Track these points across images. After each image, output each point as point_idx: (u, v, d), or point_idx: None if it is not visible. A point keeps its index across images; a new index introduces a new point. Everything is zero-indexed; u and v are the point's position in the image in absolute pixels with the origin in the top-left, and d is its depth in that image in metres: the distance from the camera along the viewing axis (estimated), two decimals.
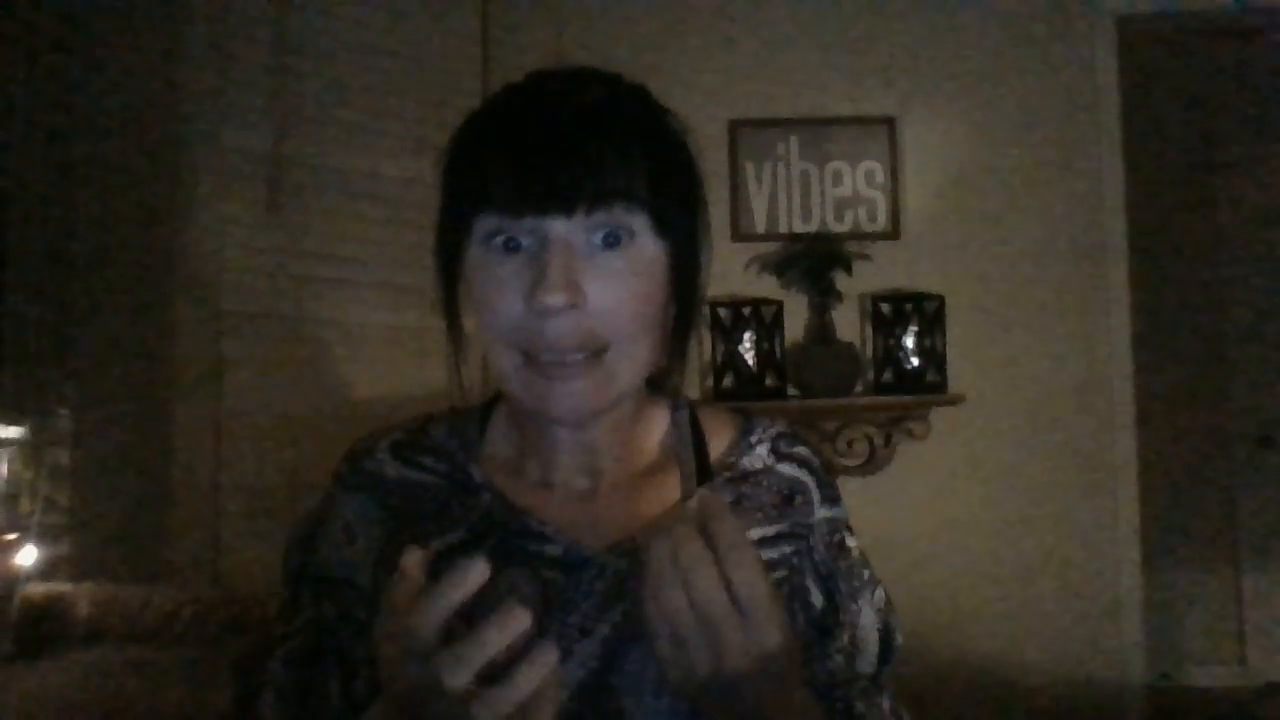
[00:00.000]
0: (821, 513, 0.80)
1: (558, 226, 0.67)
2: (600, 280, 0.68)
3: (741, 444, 0.81)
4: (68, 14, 2.21)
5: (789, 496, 0.79)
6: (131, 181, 2.26)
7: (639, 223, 0.69)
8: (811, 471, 0.82)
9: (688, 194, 0.74)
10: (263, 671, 0.78)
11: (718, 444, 0.81)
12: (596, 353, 0.69)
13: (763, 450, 0.81)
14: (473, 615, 0.71)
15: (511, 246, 0.69)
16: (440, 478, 0.78)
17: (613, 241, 0.69)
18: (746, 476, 0.79)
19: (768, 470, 0.80)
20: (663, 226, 0.71)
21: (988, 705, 2.72)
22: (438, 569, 0.73)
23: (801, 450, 0.82)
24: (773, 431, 0.83)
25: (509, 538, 0.74)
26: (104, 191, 2.26)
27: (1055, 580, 2.78)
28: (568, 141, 0.67)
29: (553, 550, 0.73)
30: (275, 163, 2.31)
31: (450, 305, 0.75)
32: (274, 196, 2.31)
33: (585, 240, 0.68)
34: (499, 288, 0.69)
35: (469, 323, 0.75)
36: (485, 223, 0.69)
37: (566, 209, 0.67)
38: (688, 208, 0.74)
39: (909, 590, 2.62)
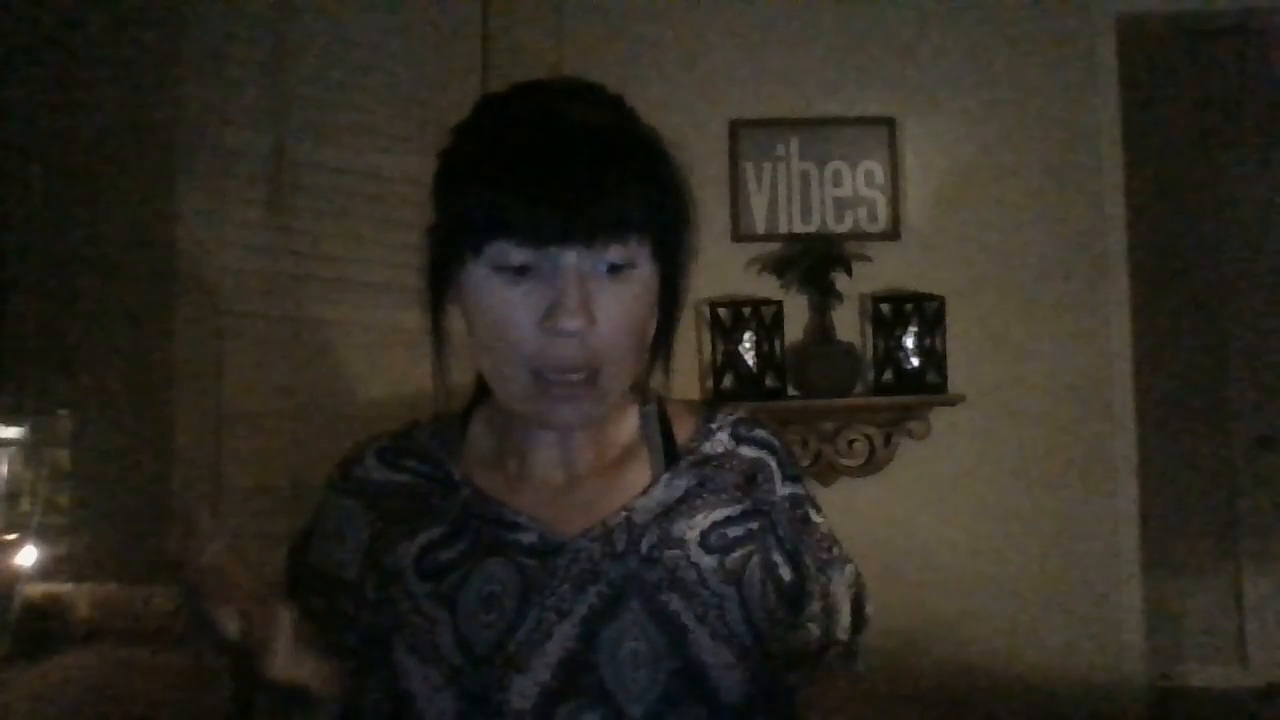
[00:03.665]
0: (783, 490, 0.86)
1: (573, 256, 0.72)
2: (606, 306, 0.73)
3: (703, 430, 0.86)
4: (68, 15, 2.21)
5: (751, 476, 0.85)
6: (131, 181, 2.26)
7: (642, 253, 0.75)
8: (773, 452, 0.87)
9: (682, 218, 0.80)
10: None
11: (682, 432, 0.86)
12: (594, 372, 0.74)
13: (724, 435, 0.86)
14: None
15: (519, 268, 0.73)
16: (422, 478, 0.84)
17: (616, 270, 0.74)
18: (709, 460, 0.84)
19: (729, 454, 0.85)
20: (661, 252, 0.77)
21: (987, 705, 2.72)
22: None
23: (761, 433, 0.88)
24: (733, 418, 0.88)
25: (486, 528, 0.79)
26: (104, 191, 2.26)
27: (1055, 580, 2.77)
28: (586, 173, 0.72)
29: (528, 538, 0.78)
30: (275, 163, 2.31)
31: (437, 321, 0.81)
32: (274, 196, 2.31)
33: (592, 267, 0.73)
34: (511, 310, 0.73)
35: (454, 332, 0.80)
36: (496, 248, 0.73)
37: (587, 242, 0.72)
38: (681, 230, 0.80)
39: (909, 590, 2.63)
